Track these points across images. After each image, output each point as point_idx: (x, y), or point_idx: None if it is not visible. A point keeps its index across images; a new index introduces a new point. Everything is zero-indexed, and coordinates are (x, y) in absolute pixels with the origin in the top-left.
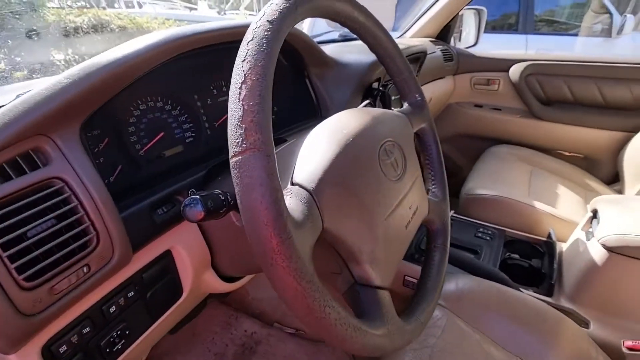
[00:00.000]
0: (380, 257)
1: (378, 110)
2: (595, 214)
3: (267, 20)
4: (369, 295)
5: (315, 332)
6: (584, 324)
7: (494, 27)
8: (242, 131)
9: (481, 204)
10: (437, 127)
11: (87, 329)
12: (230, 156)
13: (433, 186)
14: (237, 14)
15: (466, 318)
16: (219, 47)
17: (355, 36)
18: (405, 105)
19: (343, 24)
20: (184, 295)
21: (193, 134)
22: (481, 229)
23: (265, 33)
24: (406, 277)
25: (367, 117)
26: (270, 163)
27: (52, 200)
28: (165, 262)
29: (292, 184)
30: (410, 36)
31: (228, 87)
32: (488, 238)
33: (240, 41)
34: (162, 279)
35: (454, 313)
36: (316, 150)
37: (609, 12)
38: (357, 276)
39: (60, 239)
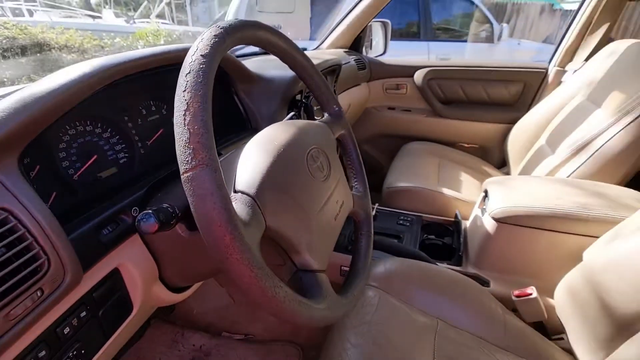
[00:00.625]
0: (316, 245)
1: (303, 122)
2: (486, 193)
3: (201, 55)
4: (309, 278)
5: (269, 310)
6: (486, 283)
7: (401, 34)
8: (191, 151)
9: (400, 195)
10: (358, 130)
11: (43, 353)
12: (181, 173)
13: (355, 183)
14: (147, 22)
15: (395, 294)
16: (147, 72)
17: None
18: (326, 115)
19: (266, 49)
20: (135, 310)
21: (126, 154)
22: (402, 217)
23: (201, 66)
24: (342, 267)
25: (294, 128)
26: (218, 175)
27: None
28: (114, 280)
29: (235, 191)
30: (326, 47)
31: (157, 107)
32: (408, 224)
33: (169, 65)
34: (112, 296)
35: (384, 291)
36: (252, 160)
37: (490, 22)
38: (298, 264)
39: (12, 267)
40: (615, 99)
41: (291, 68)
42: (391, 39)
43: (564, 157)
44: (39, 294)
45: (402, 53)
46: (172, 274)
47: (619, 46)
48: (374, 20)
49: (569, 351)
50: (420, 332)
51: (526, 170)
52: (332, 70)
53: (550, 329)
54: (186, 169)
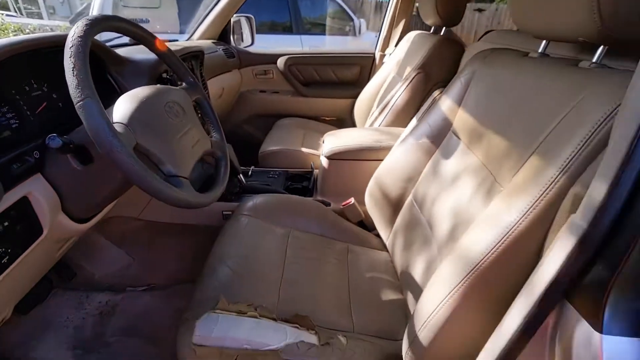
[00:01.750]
0: (178, 160)
1: (164, 86)
2: (324, 141)
3: (78, 36)
4: (175, 180)
5: (145, 189)
6: (327, 204)
7: (277, 29)
8: (80, 90)
9: (271, 156)
10: (236, 112)
11: None
12: (75, 104)
13: (214, 131)
14: None
15: (260, 217)
16: (25, 55)
17: None
18: (183, 84)
19: (129, 36)
20: (45, 232)
21: (17, 121)
22: (271, 173)
23: (79, 41)
24: (223, 212)
25: (154, 89)
26: (98, 102)
27: None
28: (25, 204)
29: (114, 122)
30: (196, 39)
31: (38, 84)
32: (276, 177)
33: (45, 49)
34: (25, 217)
35: (252, 217)
36: (123, 106)
37: (351, 18)
38: (165, 171)
39: None
40: (406, 70)
41: (152, 51)
42: (267, 34)
43: (377, 113)
44: None
45: (277, 45)
46: (73, 205)
47: (411, 35)
48: (238, 15)
49: (379, 236)
50: (278, 238)
51: None
52: (195, 55)
53: (368, 226)
54: (77, 100)
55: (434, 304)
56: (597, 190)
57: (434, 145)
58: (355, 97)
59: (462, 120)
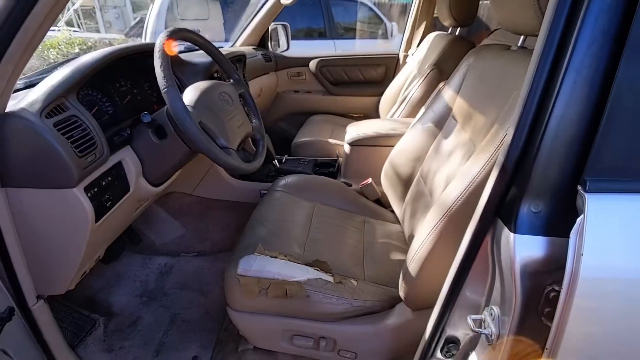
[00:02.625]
0: (228, 135)
1: (218, 81)
2: (347, 131)
3: (161, 42)
4: (226, 151)
5: (204, 153)
6: (350, 185)
7: (312, 35)
8: (165, 81)
9: (302, 146)
10: (273, 112)
11: (95, 189)
12: (162, 89)
13: (254, 119)
14: (57, 30)
15: (291, 192)
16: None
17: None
18: (230, 81)
19: (193, 44)
20: (131, 189)
21: (112, 108)
22: (302, 161)
23: (163, 47)
24: (261, 191)
25: (211, 83)
26: (177, 90)
27: (76, 124)
28: (119, 168)
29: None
30: (239, 45)
31: (125, 81)
32: (306, 163)
33: (132, 55)
34: (119, 176)
35: (285, 192)
36: (190, 93)
37: (383, 21)
38: (219, 143)
39: (86, 138)
40: (423, 67)
41: (208, 55)
42: (303, 39)
43: (397, 106)
44: (96, 154)
45: (312, 50)
46: (150, 171)
47: (431, 36)
48: (275, 23)
49: (394, 213)
50: (305, 209)
51: None
52: (239, 59)
53: (385, 203)
54: (164, 87)
55: (418, 242)
56: (509, 134)
57: (437, 129)
58: (381, 94)
59: (459, 106)
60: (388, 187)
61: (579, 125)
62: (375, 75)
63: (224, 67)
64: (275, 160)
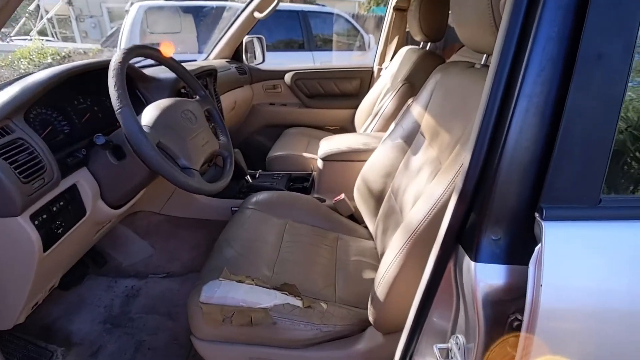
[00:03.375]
0: (190, 154)
1: (181, 99)
2: (320, 146)
3: (118, 62)
4: (187, 172)
5: (162, 174)
6: (323, 200)
7: (291, 47)
8: (119, 101)
9: (276, 160)
10: (248, 123)
11: (44, 216)
12: (116, 110)
13: (221, 135)
14: (29, 39)
15: (262, 210)
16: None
17: None
18: (197, 97)
19: (154, 60)
20: (87, 213)
21: (69, 127)
22: (276, 175)
23: (119, 65)
24: (232, 208)
25: (174, 100)
26: (132, 110)
27: (21, 147)
28: (74, 190)
29: (142, 125)
30: (212, 58)
31: (84, 99)
32: (280, 178)
33: (90, 72)
34: (74, 200)
35: (255, 209)
36: (148, 113)
37: (360, 34)
38: (180, 164)
39: (33, 162)
40: (395, 81)
41: (171, 70)
42: (282, 51)
43: (370, 121)
44: (44, 179)
45: (291, 62)
46: (109, 194)
47: (403, 50)
48: (250, 36)
49: (367, 228)
50: (276, 227)
51: None
52: (209, 73)
53: (358, 219)
54: (117, 108)
55: (385, 264)
56: (467, 159)
57: (406, 145)
58: (356, 107)
59: (426, 122)
60: (361, 203)
61: (533, 152)
62: (351, 88)
63: (189, 83)
64: (248, 176)
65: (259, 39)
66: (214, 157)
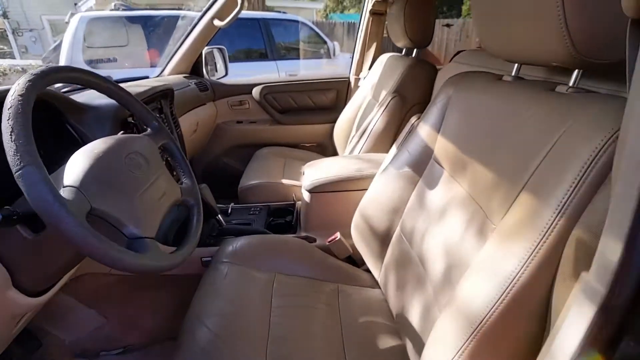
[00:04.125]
0: (141, 217)
1: (124, 136)
2: (304, 173)
3: (19, 95)
4: (139, 242)
5: (97, 259)
6: (313, 240)
7: (252, 56)
8: (18, 157)
9: (252, 191)
10: (214, 145)
11: None
12: (14, 173)
13: (184, 178)
14: None
15: (241, 263)
16: None
17: None
18: (148, 130)
19: (82, 85)
20: None
21: None
22: (252, 209)
23: (19, 102)
24: (202, 258)
25: (113, 141)
26: (41, 169)
27: None
28: None
29: (64, 186)
30: (167, 74)
31: None
32: (257, 213)
33: None
34: None
35: (232, 263)
36: (76, 164)
37: (325, 41)
38: (127, 234)
39: None
40: (381, 94)
41: (110, 97)
42: (244, 61)
43: (357, 139)
44: None
45: (255, 72)
46: (25, 279)
47: (383, 58)
48: (210, 47)
49: (369, 271)
50: (262, 286)
51: None
52: (164, 94)
53: (357, 261)
54: (16, 169)
55: None
56: (611, 248)
57: (416, 174)
58: (334, 121)
59: (442, 147)
60: (361, 243)
61: None
62: (326, 100)
63: (135, 112)
64: (219, 216)
65: (220, 50)
66: (176, 207)
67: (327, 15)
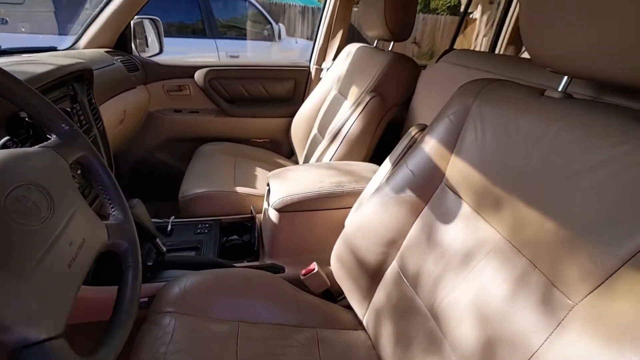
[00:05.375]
0: (37, 310)
1: (3, 154)
2: (269, 186)
3: None
4: (38, 353)
5: None
6: (281, 270)
7: (186, 31)
8: None
9: (197, 202)
10: (146, 136)
11: None
12: None
13: (113, 210)
14: None
15: (192, 311)
16: None
17: None
18: (53, 137)
19: None
20: None
21: None
22: (199, 225)
23: None
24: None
25: None
26: None
27: None
28: None
29: None
30: (83, 46)
31: None
32: (206, 231)
33: None
34: None
35: (180, 313)
36: None
37: (269, 22)
38: (13, 341)
39: None
40: (353, 92)
41: None
42: (176, 36)
43: (326, 144)
44: None
45: (191, 49)
46: None
47: (352, 48)
48: (140, 17)
49: (349, 307)
50: (222, 342)
51: (307, 157)
52: (79, 76)
53: (335, 292)
54: None
55: None
56: None
57: (420, 200)
58: (291, 115)
59: (458, 171)
60: (344, 277)
61: None
62: (283, 91)
63: (34, 112)
64: (158, 240)
65: (154, 22)
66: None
67: None
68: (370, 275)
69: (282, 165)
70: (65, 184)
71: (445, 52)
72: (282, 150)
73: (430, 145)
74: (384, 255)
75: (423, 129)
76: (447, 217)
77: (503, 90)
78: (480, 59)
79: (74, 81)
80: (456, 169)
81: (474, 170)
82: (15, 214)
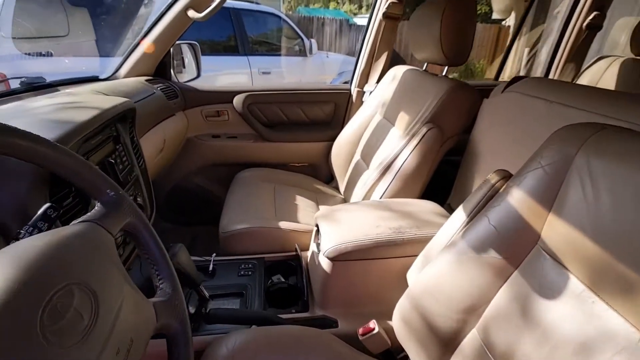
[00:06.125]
0: None
1: (41, 244)
2: (318, 228)
3: None
4: None
5: None
6: (334, 324)
7: (219, 49)
8: None
9: (239, 238)
10: (184, 162)
11: None
12: None
13: (161, 282)
14: None
15: None
16: None
17: None
18: (97, 207)
19: None
20: None
21: None
22: (242, 265)
23: None
24: None
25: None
26: None
27: None
28: None
29: None
30: (123, 75)
31: None
32: (250, 272)
33: None
34: None
35: None
36: None
37: (300, 37)
38: None
39: None
40: (404, 119)
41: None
42: (211, 55)
43: (376, 177)
44: None
45: (224, 67)
46: None
47: (398, 71)
48: (180, 42)
49: None
50: None
51: (350, 185)
52: (123, 116)
53: (394, 350)
54: None
55: None
56: None
57: (508, 264)
58: (330, 139)
59: (560, 235)
60: (409, 340)
61: None
62: (322, 114)
63: (77, 180)
64: (202, 287)
65: (192, 46)
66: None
67: (292, 8)
68: (444, 342)
69: (323, 192)
70: (111, 268)
71: (515, 79)
72: (320, 175)
73: (520, 199)
74: (461, 323)
75: (506, 177)
76: (547, 290)
77: (621, 139)
78: (564, 91)
79: (117, 121)
80: (557, 232)
81: (586, 238)
82: (52, 332)
